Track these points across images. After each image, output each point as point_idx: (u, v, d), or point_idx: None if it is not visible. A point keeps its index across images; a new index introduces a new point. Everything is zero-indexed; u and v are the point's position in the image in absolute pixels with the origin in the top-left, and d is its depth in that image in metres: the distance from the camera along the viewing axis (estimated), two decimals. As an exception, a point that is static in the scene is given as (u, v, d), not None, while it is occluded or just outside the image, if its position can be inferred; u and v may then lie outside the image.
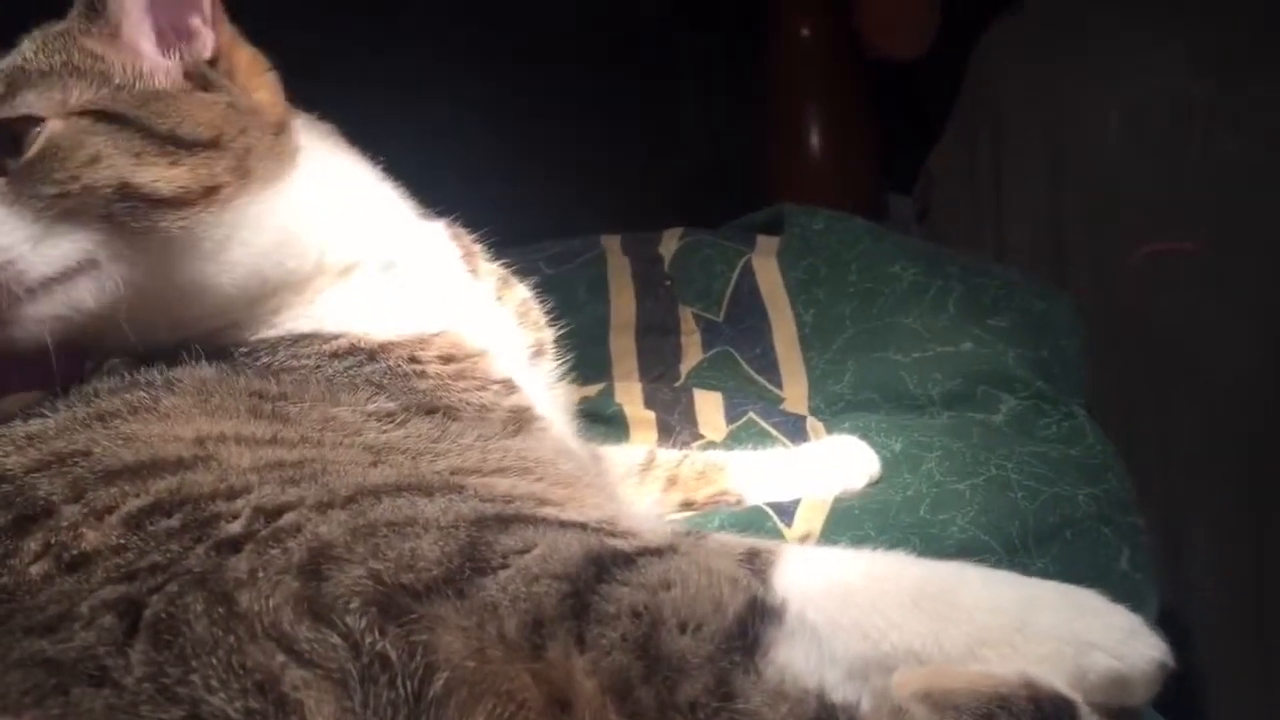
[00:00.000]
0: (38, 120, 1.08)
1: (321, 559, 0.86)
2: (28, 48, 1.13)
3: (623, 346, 1.85)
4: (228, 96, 1.19)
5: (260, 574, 0.85)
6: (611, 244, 2.07)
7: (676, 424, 1.63)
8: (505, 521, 0.90)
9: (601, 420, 1.61)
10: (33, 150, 1.06)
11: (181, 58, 1.17)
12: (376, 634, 0.81)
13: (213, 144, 1.14)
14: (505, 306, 1.34)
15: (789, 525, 1.36)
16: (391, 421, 1.09)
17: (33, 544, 0.91)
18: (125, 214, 1.08)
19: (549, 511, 0.97)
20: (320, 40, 1.23)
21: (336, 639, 0.81)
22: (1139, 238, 2.17)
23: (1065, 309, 1.80)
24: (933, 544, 1.34)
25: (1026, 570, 1.32)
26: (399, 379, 1.15)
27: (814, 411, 1.69)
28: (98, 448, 1.00)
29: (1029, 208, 2.41)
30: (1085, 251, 2.29)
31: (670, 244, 2.03)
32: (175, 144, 1.12)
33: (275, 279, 1.19)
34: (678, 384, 1.77)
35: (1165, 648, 0.94)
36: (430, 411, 1.12)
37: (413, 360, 1.17)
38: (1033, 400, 1.60)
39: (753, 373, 1.78)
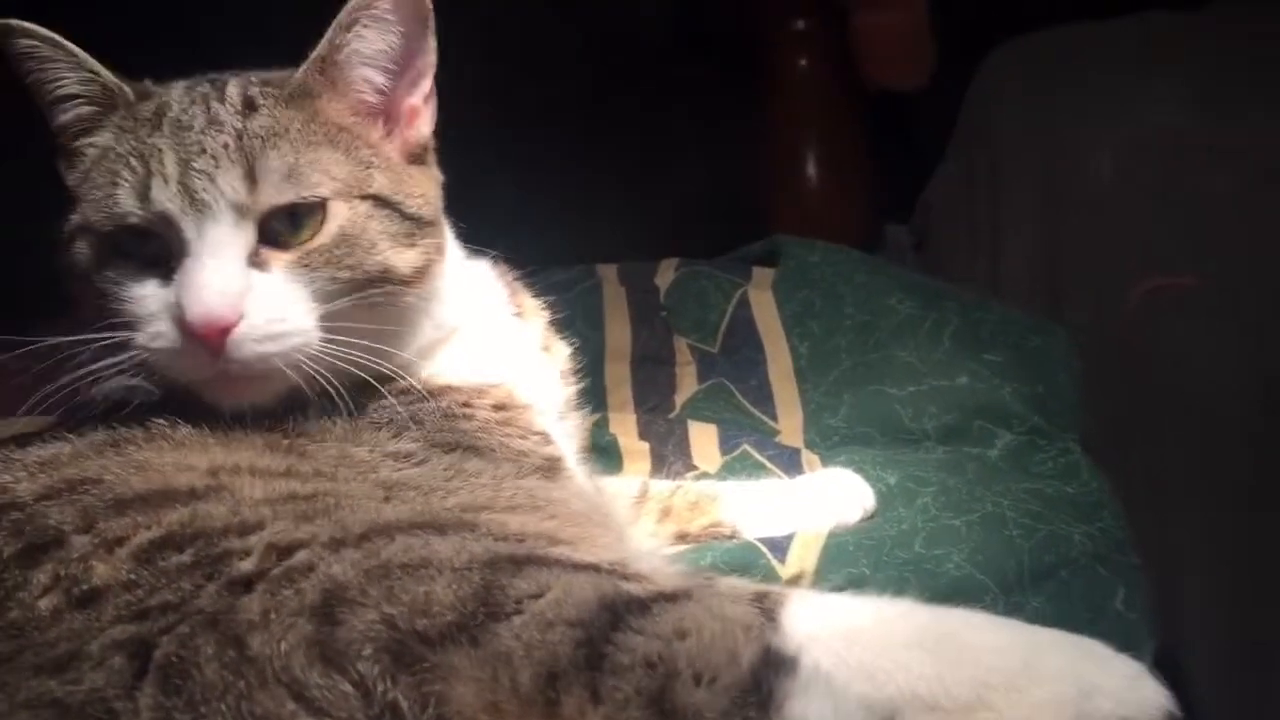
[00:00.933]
0: (321, 200, 1.11)
1: (335, 601, 0.85)
2: (266, 117, 1.12)
3: (618, 376, 1.85)
4: (438, 173, 1.24)
5: (273, 615, 0.85)
6: (608, 273, 2.07)
7: (670, 455, 1.63)
8: (519, 563, 0.90)
9: (596, 450, 1.60)
10: (325, 238, 1.10)
11: (402, 135, 1.21)
12: (389, 682, 0.81)
13: (433, 222, 1.20)
14: (552, 359, 1.39)
15: (782, 562, 1.36)
16: (409, 461, 1.10)
17: (42, 576, 0.91)
18: (372, 291, 1.13)
19: (562, 551, 0.97)
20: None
21: (348, 686, 0.81)
22: (1135, 272, 2.16)
23: (1060, 344, 1.80)
24: (928, 581, 1.33)
25: (1022, 609, 1.32)
26: (446, 419, 1.17)
27: (809, 444, 1.69)
28: (110, 475, 1.00)
29: (1025, 240, 2.40)
30: (1081, 285, 2.29)
31: (666, 274, 2.03)
32: (416, 224, 1.17)
33: (433, 342, 1.24)
34: (672, 415, 1.77)
35: (1168, 694, 0.93)
36: (454, 449, 1.13)
37: (466, 405, 1.20)
38: (1028, 436, 1.60)
39: (748, 405, 1.78)
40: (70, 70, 1.13)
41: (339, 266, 1.10)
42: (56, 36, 1.12)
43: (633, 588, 0.90)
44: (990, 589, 1.34)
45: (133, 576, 0.91)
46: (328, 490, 1.01)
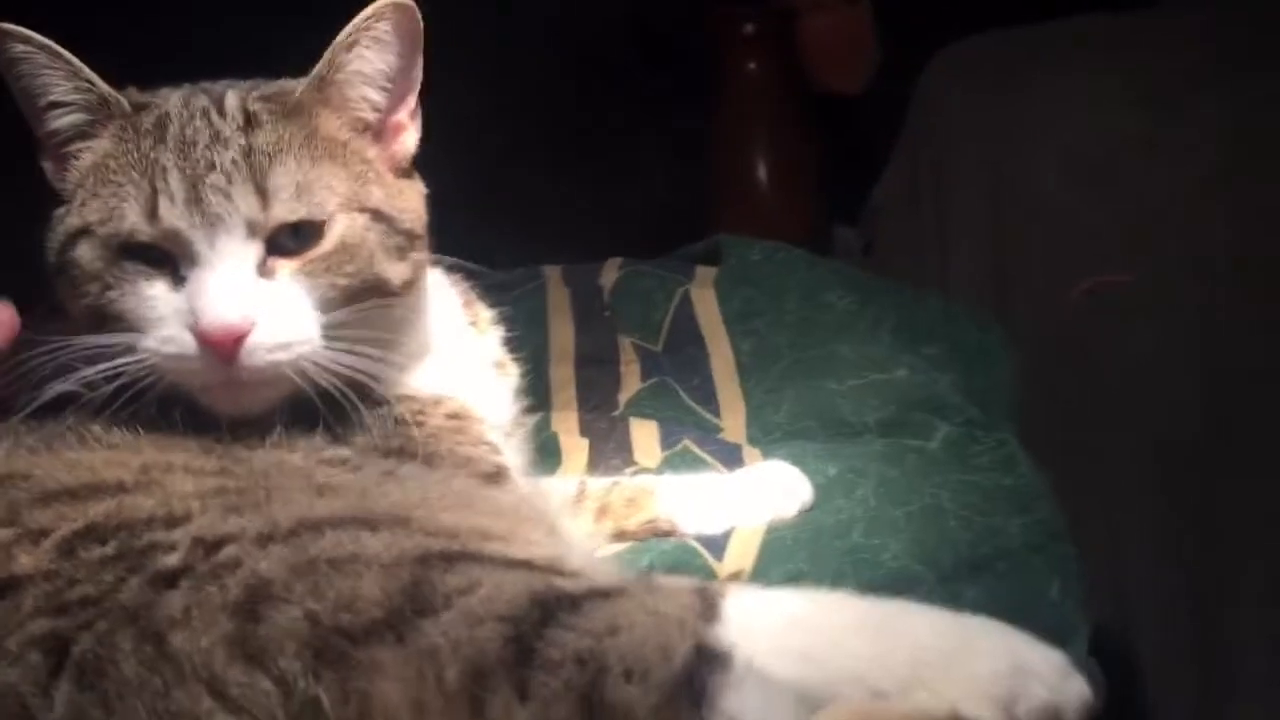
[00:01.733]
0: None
1: (259, 598, 0.84)
2: (269, 132, 1.13)
3: (562, 376, 1.84)
4: (422, 186, 1.25)
5: (195, 612, 0.84)
6: (553, 274, 2.06)
7: (611, 451, 1.61)
8: (450, 559, 0.89)
9: (535, 448, 1.59)
10: (328, 245, 1.12)
11: (390, 150, 1.22)
12: (310, 679, 0.80)
13: (421, 236, 1.22)
14: (504, 376, 1.39)
15: (720, 560, 1.35)
16: (344, 465, 1.10)
17: None
18: (366, 303, 1.14)
19: (495, 547, 0.96)
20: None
21: (268, 684, 0.80)
22: (1078, 270, 2.18)
23: (997, 337, 1.80)
24: (866, 572, 1.33)
25: (959, 599, 1.31)
26: (397, 424, 1.17)
27: (751, 440, 1.68)
28: (39, 471, 1.00)
29: (971, 240, 2.43)
30: (1026, 283, 2.31)
31: (610, 274, 2.02)
32: (407, 238, 1.19)
33: (416, 352, 1.26)
34: (615, 414, 1.76)
35: (1091, 688, 0.93)
36: (392, 455, 1.14)
37: (420, 413, 1.21)
38: (965, 427, 1.59)
39: (691, 403, 1.77)
40: (65, 79, 1.13)
41: (339, 274, 1.12)
42: (52, 44, 1.12)
43: (566, 584, 0.89)
44: (927, 579, 1.33)
45: (53, 567, 0.89)
46: (259, 485, 1.01)
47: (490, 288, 1.94)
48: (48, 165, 1.17)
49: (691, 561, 1.35)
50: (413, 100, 1.23)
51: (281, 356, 1.09)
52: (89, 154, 1.14)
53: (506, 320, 1.45)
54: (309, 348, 1.10)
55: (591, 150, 2.83)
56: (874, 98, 2.75)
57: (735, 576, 1.34)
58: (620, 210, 2.82)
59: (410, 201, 1.22)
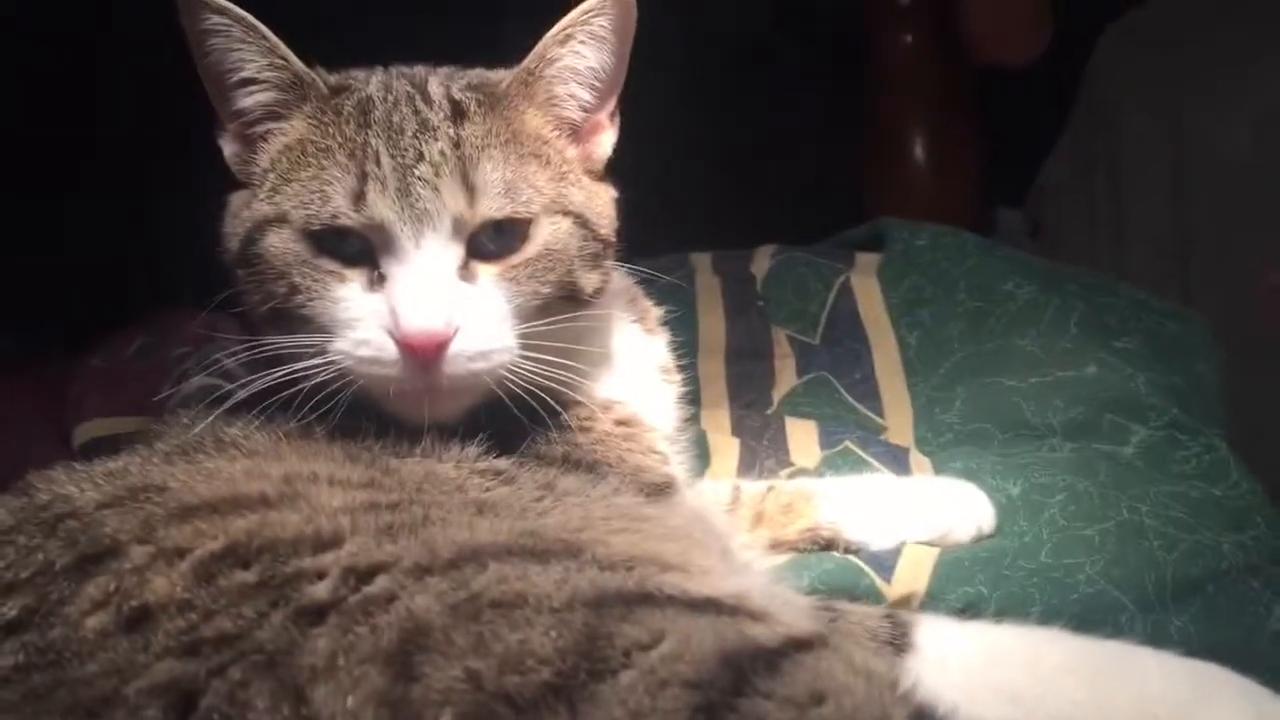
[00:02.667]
0: (531, 215, 1.09)
1: (414, 647, 0.76)
2: (477, 125, 1.08)
3: (712, 371, 1.74)
4: (613, 190, 1.21)
5: (341, 661, 0.75)
6: (701, 262, 1.95)
7: (765, 450, 1.50)
8: (628, 603, 0.80)
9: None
10: (532, 250, 1.08)
11: (587, 151, 1.19)
12: None
13: (613, 242, 1.18)
14: (671, 382, 1.33)
15: (888, 582, 1.24)
16: (498, 478, 1.04)
17: (92, 590, 0.84)
18: (558, 310, 1.10)
19: (674, 582, 0.88)
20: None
21: None
22: (1272, 258, 2.01)
23: (1198, 329, 1.65)
24: (1055, 598, 1.22)
25: (1164, 629, 1.21)
26: (560, 431, 1.13)
27: (919, 442, 1.56)
28: (175, 482, 0.94)
29: (1150, 225, 2.27)
30: (1213, 272, 2.15)
31: (762, 262, 1.90)
32: (602, 245, 1.15)
33: (600, 359, 1.21)
34: (769, 411, 1.64)
35: None
36: (552, 464, 1.09)
37: (587, 418, 1.15)
38: (1167, 431, 1.44)
39: (852, 400, 1.65)
40: (260, 54, 1.09)
41: (540, 281, 1.08)
42: (249, 17, 1.07)
43: (759, 633, 0.80)
44: (1126, 607, 1.22)
45: (189, 596, 0.82)
46: (414, 501, 0.93)
47: (637, 277, 1.86)
48: (230, 147, 1.13)
49: (857, 582, 1.24)
50: (614, 100, 1.18)
51: (482, 365, 1.04)
52: (280, 136, 1.09)
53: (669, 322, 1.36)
54: (508, 357, 1.06)
55: (739, 131, 2.72)
56: (1042, 69, 2.58)
57: (905, 600, 1.23)
58: (771, 193, 2.70)
59: (605, 206, 1.17)
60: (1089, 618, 1.21)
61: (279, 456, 1.00)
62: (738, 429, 1.58)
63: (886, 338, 1.71)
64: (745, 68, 2.74)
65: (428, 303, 1.02)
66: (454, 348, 1.03)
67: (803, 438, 1.54)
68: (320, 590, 0.81)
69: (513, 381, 1.06)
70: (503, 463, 1.06)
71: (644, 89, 1.20)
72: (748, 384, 1.71)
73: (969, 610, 1.21)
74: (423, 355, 1.02)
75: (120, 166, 2.25)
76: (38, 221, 2.26)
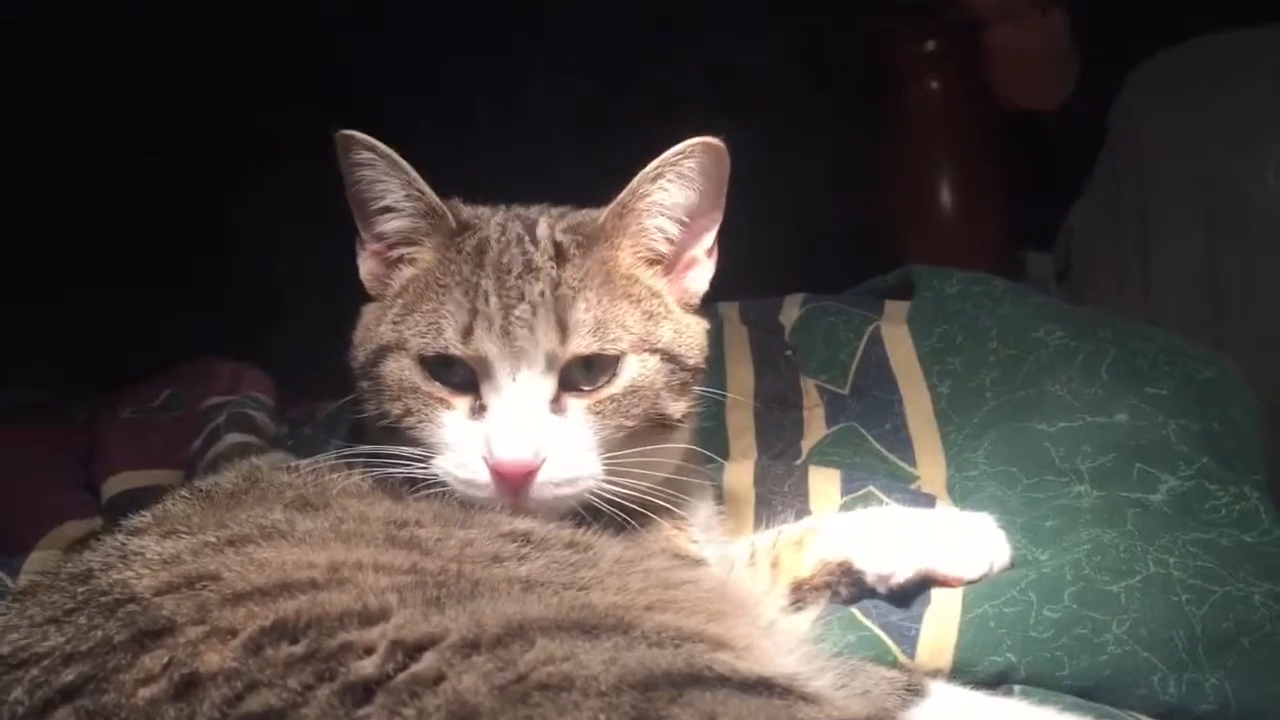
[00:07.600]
0: (620, 353, 1.19)
1: None
2: (575, 268, 1.19)
3: (740, 423, 1.73)
4: (707, 322, 1.29)
5: None
6: (729, 311, 1.95)
7: (783, 501, 1.49)
8: (679, 685, 0.80)
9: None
10: (617, 387, 1.18)
11: (681, 285, 1.27)
12: None
13: (703, 370, 1.26)
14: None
15: (912, 656, 1.23)
16: (528, 544, 1.08)
17: (148, 661, 0.86)
18: (645, 438, 1.20)
19: (724, 660, 0.88)
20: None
21: None
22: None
23: (1231, 376, 1.63)
24: (1084, 659, 1.21)
25: (1199, 688, 1.19)
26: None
27: (950, 489, 1.54)
28: (229, 572, 0.96)
29: (1180, 269, 2.25)
30: (1246, 318, 2.12)
31: (791, 311, 1.90)
32: (691, 375, 1.24)
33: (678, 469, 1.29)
34: (798, 462, 1.63)
35: None
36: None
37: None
38: (1197, 480, 1.42)
39: (883, 450, 1.64)
40: (401, 186, 1.22)
41: (626, 415, 1.18)
42: (393, 153, 1.20)
43: (812, 716, 0.81)
44: (1158, 667, 1.20)
45: (237, 665, 0.84)
46: (459, 574, 0.96)
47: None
48: (366, 264, 1.27)
49: (881, 657, 1.23)
50: (710, 238, 1.26)
51: (567, 491, 1.15)
52: (409, 266, 1.21)
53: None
54: (594, 483, 1.16)
55: (763, 179, 2.72)
56: (1068, 113, 2.57)
57: (935, 674, 1.22)
58: (794, 241, 2.70)
59: (696, 338, 1.25)
60: (1121, 680, 1.21)
61: (324, 544, 1.02)
62: (760, 480, 1.56)
63: (918, 387, 1.70)
64: (771, 114, 2.75)
65: (518, 434, 1.13)
66: (541, 476, 1.13)
67: (824, 485, 1.52)
68: (367, 666, 0.82)
69: (603, 501, 1.16)
70: (527, 524, 1.11)
71: (673, 138, 1.22)
72: (777, 434, 1.71)
73: (1000, 681, 1.21)
74: (511, 481, 1.13)
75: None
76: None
